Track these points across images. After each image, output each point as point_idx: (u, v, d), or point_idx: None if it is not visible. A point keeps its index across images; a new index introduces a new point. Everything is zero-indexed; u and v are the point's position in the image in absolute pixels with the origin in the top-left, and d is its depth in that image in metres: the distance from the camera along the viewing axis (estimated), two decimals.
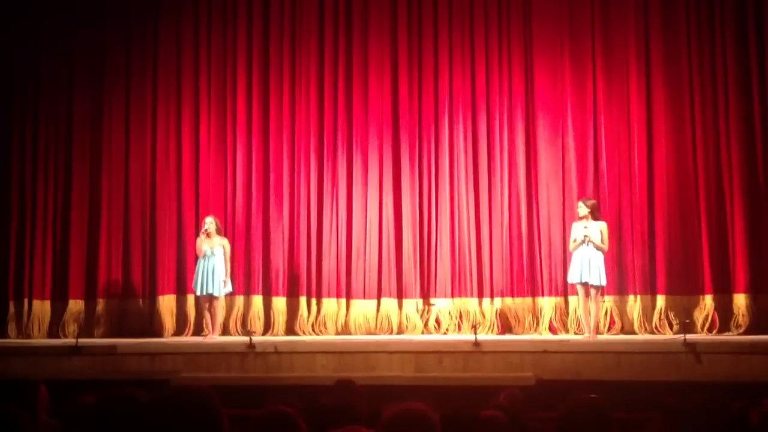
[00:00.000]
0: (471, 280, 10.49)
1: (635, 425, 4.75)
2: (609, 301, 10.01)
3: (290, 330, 10.57)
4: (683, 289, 9.98)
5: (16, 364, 8.90)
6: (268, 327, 10.61)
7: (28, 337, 10.70)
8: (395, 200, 10.75)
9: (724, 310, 9.78)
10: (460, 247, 10.57)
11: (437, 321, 10.46)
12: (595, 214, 9.37)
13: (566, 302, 10.17)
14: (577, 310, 9.79)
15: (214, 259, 10.00)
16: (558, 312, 10.20)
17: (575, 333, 9.89)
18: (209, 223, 10.11)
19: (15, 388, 4.56)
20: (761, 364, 8.02)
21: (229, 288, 10.18)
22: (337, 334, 10.47)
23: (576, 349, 8.73)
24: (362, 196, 10.79)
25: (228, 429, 2.58)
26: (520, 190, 10.54)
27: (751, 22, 10.10)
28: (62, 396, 5.01)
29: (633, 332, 9.91)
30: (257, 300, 10.71)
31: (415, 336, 10.19)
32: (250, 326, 10.31)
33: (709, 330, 9.71)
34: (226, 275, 10.05)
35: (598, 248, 9.19)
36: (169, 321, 10.68)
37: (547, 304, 10.24)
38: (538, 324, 10.21)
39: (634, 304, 10.06)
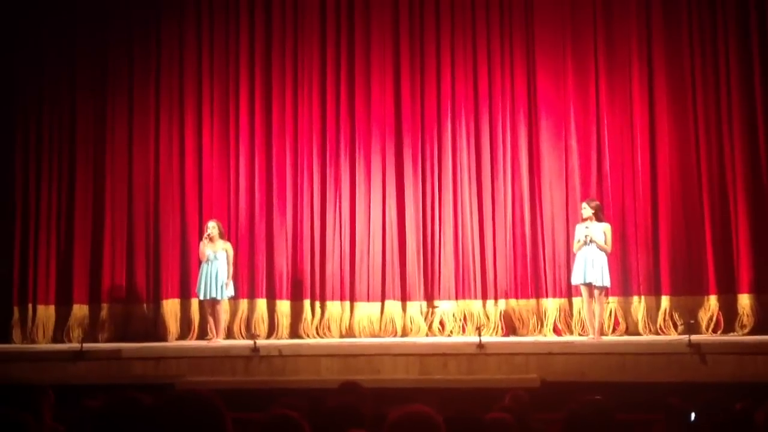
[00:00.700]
0: (475, 282, 10.48)
1: (640, 426, 4.75)
2: (613, 302, 9.99)
3: (294, 333, 10.57)
4: (687, 289, 9.96)
5: (21, 369, 8.90)
6: (272, 330, 10.60)
7: (33, 342, 10.66)
8: (398, 203, 10.73)
9: (729, 310, 9.76)
10: (463, 249, 10.56)
11: (441, 323, 10.44)
12: (599, 216, 9.37)
13: (570, 304, 10.16)
14: (581, 311, 9.79)
15: (217, 263, 10.02)
16: (562, 313, 10.19)
17: (579, 334, 9.88)
18: (212, 227, 10.12)
19: (21, 393, 4.56)
20: (766, 365, 8.02)
21: (231, 291, 10.19)
22: (342, 337, 10.46)
23: (580, 350, 8.71)
24: (365, 198, 10.79)
25: None
26: (523, 191, 10.52)
27: (753, 21, 10.08)
28: (67, 400, 5.02)
29: (637, 333, 9.91)
30: (261, 303, 10.69)
31: (420, 338, 10.17)
32: (255, 330, 10.28)
33: (714, 330, 9.69)
34: (228, 278, 10.06)
35: (601, 249, 9.19)
36: (173, 325, 10.65)
37: (552, 305, 10.23)
38: (542, 325, 10.20)
39: (639, 305, 10.05)
